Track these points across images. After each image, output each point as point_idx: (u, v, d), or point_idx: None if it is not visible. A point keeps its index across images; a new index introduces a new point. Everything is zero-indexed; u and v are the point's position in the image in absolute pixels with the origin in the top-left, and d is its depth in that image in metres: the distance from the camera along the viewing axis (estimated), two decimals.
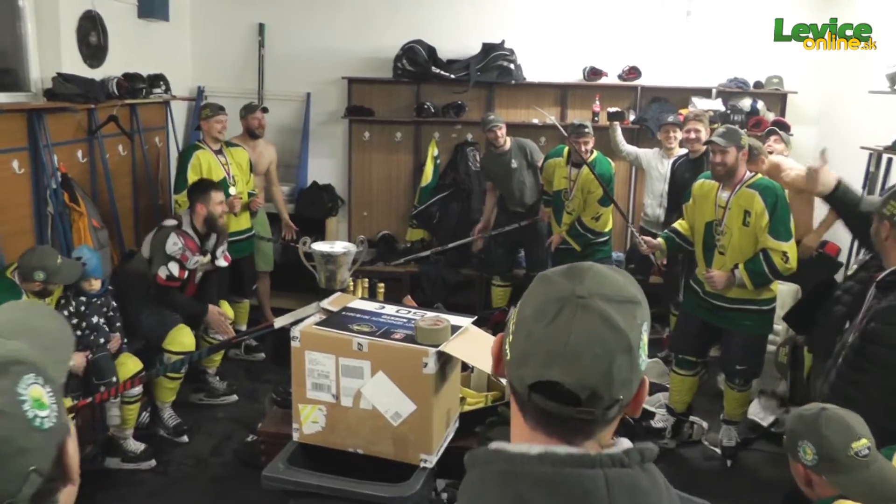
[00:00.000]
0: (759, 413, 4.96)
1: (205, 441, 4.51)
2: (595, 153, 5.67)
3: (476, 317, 2.70)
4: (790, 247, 4.07)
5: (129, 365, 4.10)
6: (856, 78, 5.84)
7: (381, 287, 3.94)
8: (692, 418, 4.81)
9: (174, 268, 4.47)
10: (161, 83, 6.09)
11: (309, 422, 2.58)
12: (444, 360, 2.48)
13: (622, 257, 6.77)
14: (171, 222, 4.64)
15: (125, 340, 4.25)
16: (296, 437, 2.61)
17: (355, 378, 2.47)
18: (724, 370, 4.57)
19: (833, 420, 2.12)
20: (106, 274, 4.39)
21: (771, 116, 6.63)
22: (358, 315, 2.66)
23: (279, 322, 2.86)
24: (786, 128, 6.52)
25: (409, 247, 7.03)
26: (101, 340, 4.01)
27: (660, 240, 4.69)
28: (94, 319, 4.02)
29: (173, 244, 4.46)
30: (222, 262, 4.88)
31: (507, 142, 6.04)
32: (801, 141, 6.63)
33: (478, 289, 6.91)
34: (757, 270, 4.11)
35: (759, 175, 4.30)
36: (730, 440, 4.60)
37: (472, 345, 2.55)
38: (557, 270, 1.07)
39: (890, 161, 5.53)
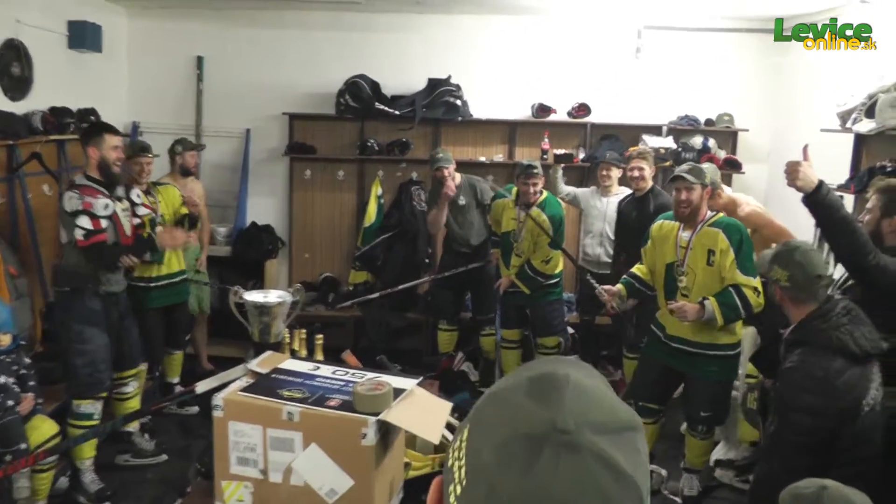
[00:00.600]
0: (722, 451, 4.79)
1: None
2: (545, 194, 5.49)
3: (421, 378, 2.45)
4: (759, 283, 3.95)
5: (44, 429, 3.68)
6: (808, 116, 5.81)
7: (319, 339, 3.67)
8: (651, 467, 4.62)
9: (84, 221, 3.91)
10: (92, 118, 5.73)
11: (234, 500, 2.28)
12: (387, 429, 2.22)
13: (572, 298, 6.60)
14: (65, 188, 4.17)
15: (40, 401, 3.83)
16: None
17: (285, 451, 2.19)
18: (688, 417, 4.38)
19: (836, 500, 1.89)
20: (21, 328, 4.03)
21: (722, 154, 6.56)
22: (289, 378, 2.39)
23: (202, 386, 2.57)
24: (737, 165, 6.48)
25: (352, 290, 6.76)
26: (10, 402, 3.56)
27: (619, 286, 4.53)
28: (2, 379, 3.58)
29: (68, 199, 3.94)
30: (143, 210, 4.39)
31: (457, 177, 5.84)
32: (752, 178, 6.63)
33: (424, 333, 6.66)
34: (729, 303, 3.94)
35: (721, 214, 4.19)
36: (691, 489, 4.41)
37: (417, 410, 2.29)
38: (519, 387, 0.76)
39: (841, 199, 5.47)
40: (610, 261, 5.87)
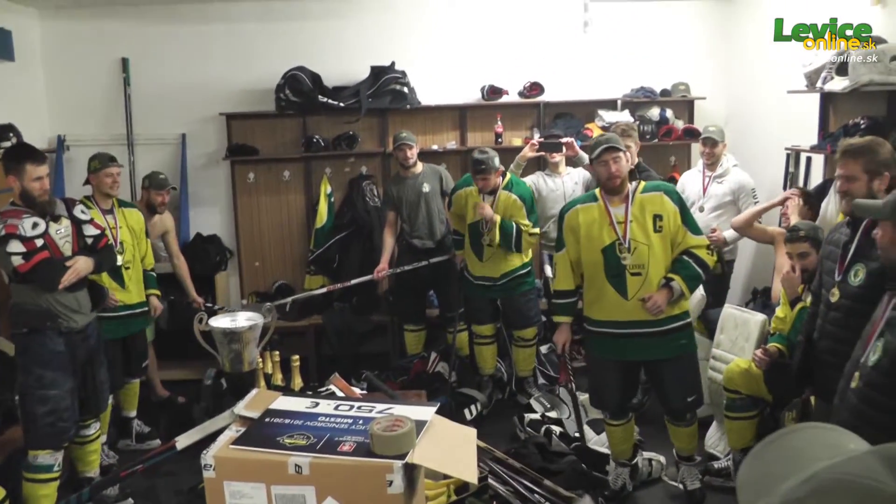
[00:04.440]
0: (718, 445, 4.57)
1: None
2: (508, 176, 5.21)
3: (438, 404, 2.14)
4: (706, 239, 3.89)
5: None
6: (766, 78, 5.70)
7: (295, 360, 3.35)
8: (647, 455, 4.38)
9: (15, 246, 3.44)
10: (10, 135, 5.22)
11: None
12: (412, 470, 1.91)
13: (539, 284, 6.34)
14: None
15: None
16: None
17: None
18: (669, 410, 4.04)
19: None
20: None
21: (681, 124, 6.39)
22: (287, 421, 2.04)
23: (183, 441, 2.21)
24: (696, 134, 6.29)
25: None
26: None
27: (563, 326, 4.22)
28: None
29: None
30: (92, 230, 3.84)
31: (418, 164, 5.55)
32: None
33: (390, 335, 6.32)
34: (692, 275, 3.76)
35: (643, 182, 3.93)
36: (693, 482, 4.15)
37: (444, 444, 1.98)
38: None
39: (809, 160, 5.36)
40: None
